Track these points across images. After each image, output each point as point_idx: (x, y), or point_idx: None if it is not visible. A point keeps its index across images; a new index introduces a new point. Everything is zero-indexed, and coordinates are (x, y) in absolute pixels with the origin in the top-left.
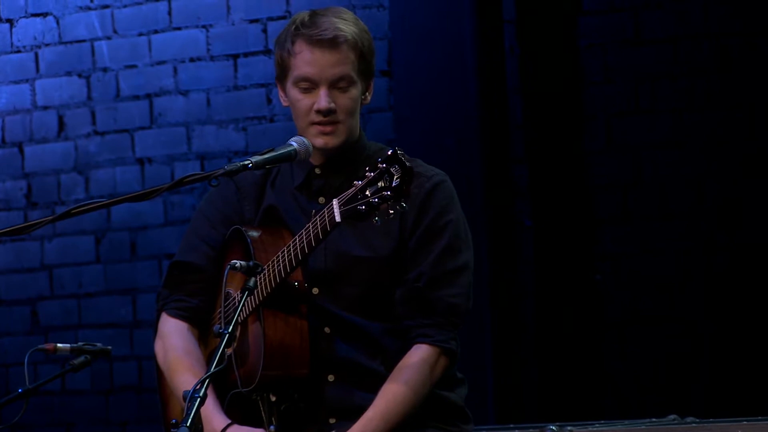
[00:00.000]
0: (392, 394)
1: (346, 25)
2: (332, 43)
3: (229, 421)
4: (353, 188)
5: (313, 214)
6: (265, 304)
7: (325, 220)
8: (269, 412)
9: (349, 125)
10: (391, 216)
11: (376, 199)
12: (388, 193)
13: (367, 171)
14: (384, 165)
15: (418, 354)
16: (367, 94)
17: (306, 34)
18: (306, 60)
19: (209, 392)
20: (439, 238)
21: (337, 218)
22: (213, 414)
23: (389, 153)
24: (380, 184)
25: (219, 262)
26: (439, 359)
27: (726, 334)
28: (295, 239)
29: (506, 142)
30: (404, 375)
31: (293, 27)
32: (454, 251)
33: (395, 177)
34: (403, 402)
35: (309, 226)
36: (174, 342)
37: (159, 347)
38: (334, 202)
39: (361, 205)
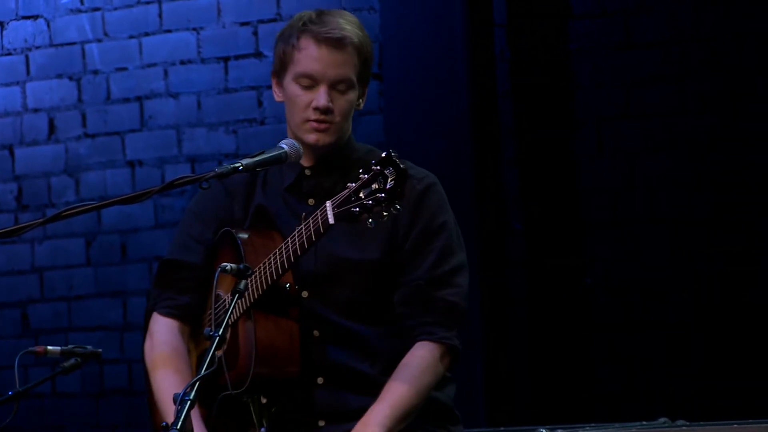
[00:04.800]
0: (398, 392)
1: (352, 28)
2: (339, 43)
3: None
4: (347, 190)
5: (303, 216)
6: (255, 306)
7: (318, 222)
8: (260, 414)
9: (341, 127)
10: (385, 218)
11: (370, 201)
12: (383, 195)
13: (360, 173)
14: (378, 167)
15: (423, 351)
16: (361, 100)
17: (314, 30)
18: (311, 56)
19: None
20: (436, 240)
21: (331, 220)
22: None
23: (383, 155)
24: (374, 186)
25: (209, 264)
26: (443, 356)
27: (716, 337)
28: (287, 241)
29: (497, 145)
30: (409, 372)
31: (300, 23)
32: (450, 252)
33: (389, 179)
34: (409, 400)
35: (302, 228)
36: (162, 339)
37: (148, 345)
38: (328, 204)
39: (354, 207)
